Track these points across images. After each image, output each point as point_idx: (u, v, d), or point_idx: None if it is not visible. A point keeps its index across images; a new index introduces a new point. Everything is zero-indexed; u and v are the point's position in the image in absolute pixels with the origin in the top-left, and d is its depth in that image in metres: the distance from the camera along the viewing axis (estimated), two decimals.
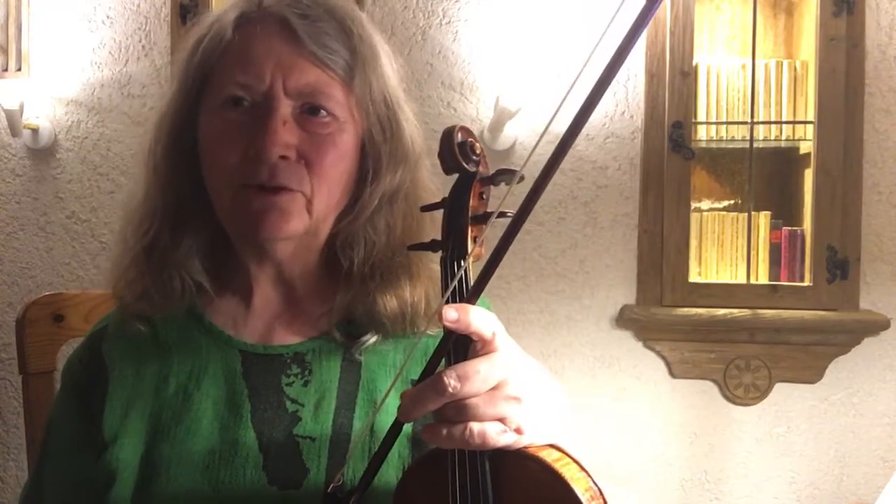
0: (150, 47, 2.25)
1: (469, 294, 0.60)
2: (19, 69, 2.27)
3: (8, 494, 2.32)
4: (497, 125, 2.07)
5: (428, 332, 0.82)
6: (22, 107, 2.18)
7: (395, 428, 0.63)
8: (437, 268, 0.85)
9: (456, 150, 0.67)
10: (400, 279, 0.82)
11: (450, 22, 2.16)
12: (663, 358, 2.13)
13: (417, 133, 0.85)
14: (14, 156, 2.32)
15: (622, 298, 2.14)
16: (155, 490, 0.76)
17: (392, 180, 0.81)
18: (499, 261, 0.58)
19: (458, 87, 2.15)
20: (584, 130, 2.12)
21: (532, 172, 0.57)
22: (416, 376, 0.81)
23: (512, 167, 0.65)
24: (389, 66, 0.83)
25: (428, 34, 2.16)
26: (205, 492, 0.76)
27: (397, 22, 2.16)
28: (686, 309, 2.08)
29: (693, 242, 2.14)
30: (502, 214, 0.61)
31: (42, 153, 2.29)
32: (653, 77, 2.10)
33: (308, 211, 0.77)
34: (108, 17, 2.27)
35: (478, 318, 0.57)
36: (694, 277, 2.14)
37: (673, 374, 2.13)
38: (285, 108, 0.75)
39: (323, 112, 0.77)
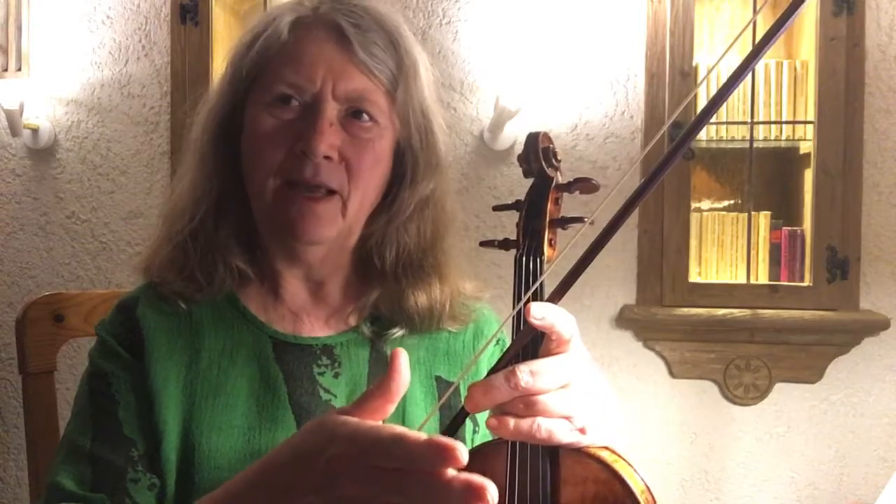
0: (150, 47, 2.25)
1: (552, 294, 0.61)
2: (19, 69, 2.27)
3: (8, 494, 2.31)
4: (497, 125, 2.07)
5: (449, 329, 0.87)
6: (22, 107, 2.18)
7: (460, 417, 0.64)
8: (461, 269, 0.89)
9: (540, 154, 0.70)
10: (431, 278, 0.86)
11: (450, 22, 2.16)
12: (663, 358, 2.13)
13: (447, 141, 0.88)
14: (14, 156, 2.32)
15: (622, 298, 2.14)
16: (198, 459, 0.78)
17: (427, 186, 0.85)
18: (587, 264, 0.61)
19: (458, 87, 2.15)
20: (584, 130, 2.13)
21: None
22: (440, 372, 0.84)
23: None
24: (427, 77, 0.86)
25: (428, 34, 2.16)
26: (246, 464, 0.77)
27: None
28: (686, 309, 2.08)
29: (693, 242, 2.14)
30: (583, 221, 0.65)
31: (42, 153, 2.29)
32: (653, 77, 2.10)
33: (342, 214, 0.80)
34: (108, 17, 2.27)
35: (561, 318, 0.59)
36: (694, 277, 2.14)
37: (673, 374, 2.13)
38: (332, 110, 0.79)
39: (366, 117, 0.80)
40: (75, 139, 2.28)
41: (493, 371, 0.61)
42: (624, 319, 2.12)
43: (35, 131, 2.25)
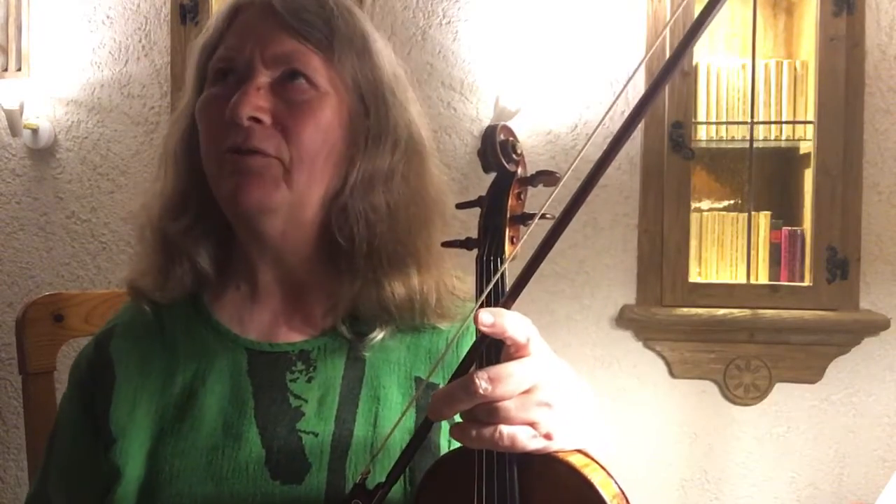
0: (150, 47, 2.26)
1: (506, 297, 0.59)
2: (19, 69, 2.27)
3: (8, 494, 2.32)
4: None
5: (436, 325, 0.83)
6: (22, 107, 2.19)
7: (425, 425, 0.63)
8: (448, 266, 0.85)
9: (497, 148, 0.66)
10: (408, 266, 0.82)
11: (450, 22, 2.16)
12: (663, 358, 2.13)
13: (418, 125, 0.86)
14: (14, 156, 2.32)
15: (622, 298, 2.14)
16: (159, 486, 0.77)
17: (381, 161, 0.82)
18: (538, 264, 0.57)
19: (458, 87, 2.15)
20: (584, 130, 2.13)
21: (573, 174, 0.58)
22: (419, 373, 0.82)
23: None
24: (382, 56, 0.84)
25: (428, 34, 2.16)
26: (208, 487, 0.76)
27: (397, 22, 2.16)
28: (686, 309, 2.08)
29: (693, 242, 2.14)
30: (544, 217, 0.62)
31: (42, 153, 2.29)
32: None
33: (286, 182, 0.78)
34: (108, 17, 2.27)
35: (512, 323, 0.57)
36: (694, 277, 2.14)
37: (673, 374, 2.13)
38: (263, 77, 0.78)
39: (302, 80, 0.79)
40: (75, 139, 2.28)
41: (454, 377, 0.59)
42: (624, 319, 2.12)
43: (35, 131, 2.25)
